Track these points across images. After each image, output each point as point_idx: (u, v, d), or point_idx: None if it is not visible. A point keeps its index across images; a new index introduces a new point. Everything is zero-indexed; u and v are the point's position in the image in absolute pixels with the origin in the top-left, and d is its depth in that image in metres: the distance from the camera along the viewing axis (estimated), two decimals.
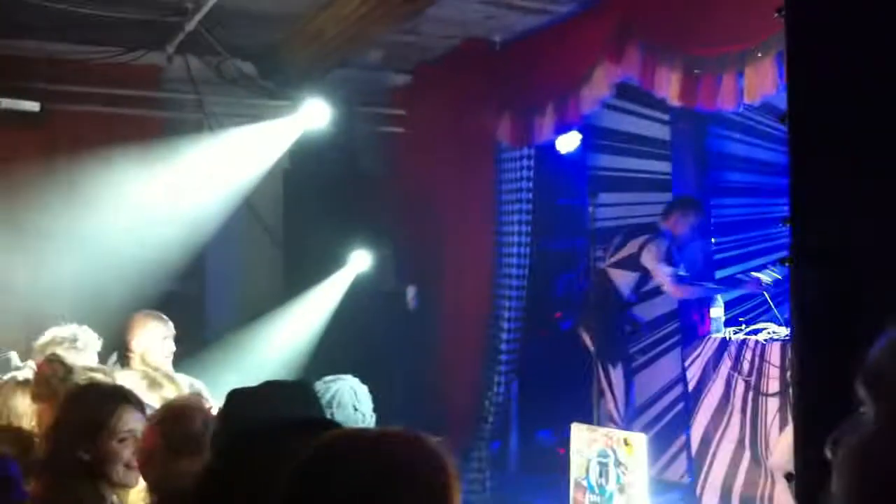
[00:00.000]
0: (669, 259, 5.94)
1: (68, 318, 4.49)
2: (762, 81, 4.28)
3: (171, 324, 4.92)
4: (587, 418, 5.58)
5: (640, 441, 4.18)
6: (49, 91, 6.35)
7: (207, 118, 6.85)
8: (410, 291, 6.79)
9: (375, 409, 3.30)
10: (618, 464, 4.14)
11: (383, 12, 5.50)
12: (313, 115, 6.89)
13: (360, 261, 6.73)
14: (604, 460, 4.28)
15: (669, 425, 6.53)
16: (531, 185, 6.49)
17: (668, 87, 4.93)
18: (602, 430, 4.42)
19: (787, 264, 1.93)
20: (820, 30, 1.91)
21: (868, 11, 1.82)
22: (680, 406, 6.51)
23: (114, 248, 6.11)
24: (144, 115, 6.82)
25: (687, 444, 6.20)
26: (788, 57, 1.97)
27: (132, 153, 6.51)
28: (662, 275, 5.94)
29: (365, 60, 6.79)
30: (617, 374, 6.02)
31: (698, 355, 6.22)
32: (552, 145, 6.32)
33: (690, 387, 6.23)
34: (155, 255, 6.15)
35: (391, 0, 5.33)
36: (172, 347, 4.85)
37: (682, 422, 6.35)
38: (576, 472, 4.38)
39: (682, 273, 5.97)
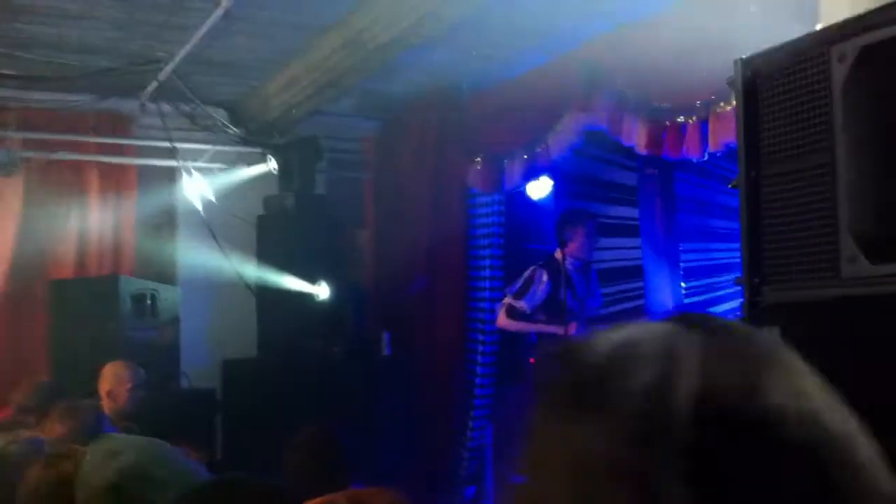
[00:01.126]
0: (523, 290, 5.91)
1: None
2: (725, 130, 4.36)
3: (141, 371, 5.02)
4: None
5: None
6: (23, 140, 6.39)
7: (181, 165, 6.87)
8: (384, 338, 6.81)
9: (354, 456, 3.29)
10: None
11: (354, 61, 5.56)
12: (285, 161, 6.96)
13: (332, 307, 6.74)
14: None
15: None
16: (502, 230, 6.54)
17: (636, 135, 5.02)
18: None
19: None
20: (768, 97, 1.98)
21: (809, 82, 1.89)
22: None
23: None
24: (118, 163, 6.84)
25: None
26: (738, 124, 2.03)
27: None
28: (505, 300, 6.00)
29: (336, 108, 6.84)
30: None
31: None
32: (523, 190, 6.39)
33: None
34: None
35: (362, 49, 5.39)
36: (141, 395, 4.92)
37: None
38: None
39: (516, 304, 5.91)
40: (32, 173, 6.51)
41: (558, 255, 5.81)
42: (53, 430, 3.38)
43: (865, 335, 1.86)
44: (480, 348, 6.53)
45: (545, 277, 5.86)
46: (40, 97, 6.39)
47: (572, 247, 5.77)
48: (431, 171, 6.75)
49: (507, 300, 5.97)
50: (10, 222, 6.47)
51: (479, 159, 6.39)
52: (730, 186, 2.05)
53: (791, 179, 1.90)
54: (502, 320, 6.01)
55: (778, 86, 1.94)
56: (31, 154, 6.43)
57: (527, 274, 5.92)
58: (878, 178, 1.83)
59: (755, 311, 1.96)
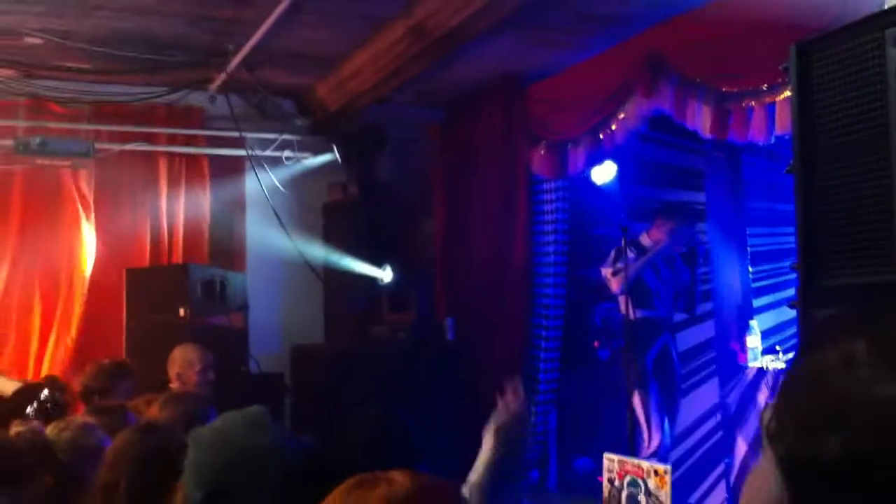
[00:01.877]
0: (616, 259, 5.90)
1: None
2: None
3: (209, 354, 5.16)
4: (624, 447, 5.60)
5: (667, 472, 4.20)
6: (96, 131, 6.59)
7: (249, 154, 7.02)
8: (448, 323, 6.86)
9: (417, 439, 3.32)
10: (648, 493, 4.17)
11: (418, 50, 5.61)
12: (349, 150, 7.06)
13: (398, 293, 6.84)
14: (634, 490, 4.30)
15: (708, 454, 6.51)
16: (566, 215, 6.55)
17: (701, 120, 4.99)
18: (632, 461, 4.44)
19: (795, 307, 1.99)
20: (824, 83, 1.97)
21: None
22: (719, 435, 6.50)
23: None
24: (189, 153, 7.03)
25: (726, 474, 6.20)
26: (793, 110, 2.03)
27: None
28: (605, 273, 5.98)
29: (400, 96, 6.91)
30: (637, 401, 5.91)
31: (736, 385, 6.21)
32: (587, 176, 6.39)
33: (729, 415, 6.23)
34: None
35: (426, 38, 5.44)
36: (209, 377, 5.09)
37: (722, 451, 6.34)
38: (608, 501, 4.41)
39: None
40: (106, 164, 6.72)
41: (645, 239, 5.85)
42: (158, 415, 3.45)
43: None
44: (544, 333, 6.56)
45: (614, 251, 5.91)
46: (114, 90, 6.57)
47: (653, 236, 5.87)
48: (495, 157, 6.77)
49: (607, 272, 5.99)
50: (86, 212, 6.70)
51: (542, 145, 6.40)
52: (785, 171, 2.05)
53: (846, 165, 1.89)
54: (615, 281, 5.98)
55: (833, 70, 1.93)
56: (104, 145, 6.63)
57: (614, 253, 5.93)
58: None
59: (809, 295, 1.96)
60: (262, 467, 1.91)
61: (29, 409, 4.11)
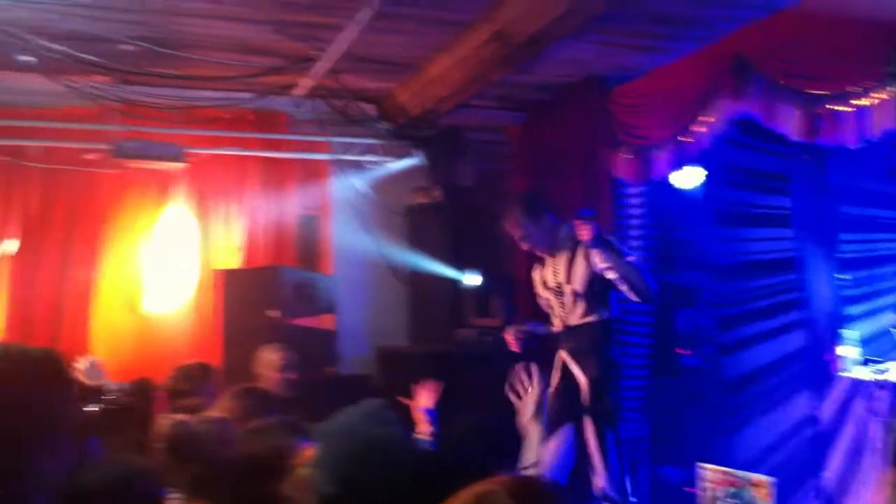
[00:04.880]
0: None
1: None
2: (884, 117, 4.21)
3: (290, 354, 5.28)
4: (714, 456, 5.51)
5: (768, 484, 4.13)
6: (187, 136, 6.78)
7: (334, 158, 7.14)
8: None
9: (507, 444, 3.34)
10: None
11: (502, 55, 5.62)
12: (431, 153, 7.11)
13: (482, 297, 6.85)
14: (732, 501, 4.25)
15: (800, 467, 6.36)
16: (650, 220, 6.47)
17: (789, 123, 4.88)
18: (730, 471, 4.38)
19: None
20: None
21: None
22: (811, 448, 6.34)
23: None
24: (276, 158, 7.18)
25: (820, 487, 6.04)
26: None
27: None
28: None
29: (481, 100, 6.93)
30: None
31: (829, 396, 6.06)
32: (671, 180, 6.31)
33: (822, 428, 6.08)
34: None
35: (509, 43, 5.45)
36: (290, 378, 5.28)
37: (815, 464, 6.19)
38: None
39: None
40: (197, 168, 6.92)
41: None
42: (222, 410, 3.53)
43: None
44: (632, 340, 6.48)
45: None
46: (204, 95, 6.74)
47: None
48: (578, 161, 6.73)
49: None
50: (181, 216, 6.91)
51: (625, 149, 6.33)
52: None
53: None
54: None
55: None
56: (195, 150, 6.81)
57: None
58: None
59: None
60: (390, 458, 1.96)
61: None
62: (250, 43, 5.89)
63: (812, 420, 6.32)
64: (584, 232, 4.94)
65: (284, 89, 6.74)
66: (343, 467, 1.94)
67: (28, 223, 6.72)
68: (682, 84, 5.72)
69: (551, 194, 6.94)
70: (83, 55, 5.75)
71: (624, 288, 5.03)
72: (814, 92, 4.67)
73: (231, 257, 7.03)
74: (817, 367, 6.43)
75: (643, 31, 5.56)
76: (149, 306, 6.86)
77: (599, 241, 4.97)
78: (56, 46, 5.60)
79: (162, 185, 6.94)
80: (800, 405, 6.54)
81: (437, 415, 4.59)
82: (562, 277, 5.23)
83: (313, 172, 7.33)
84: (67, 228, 6.78)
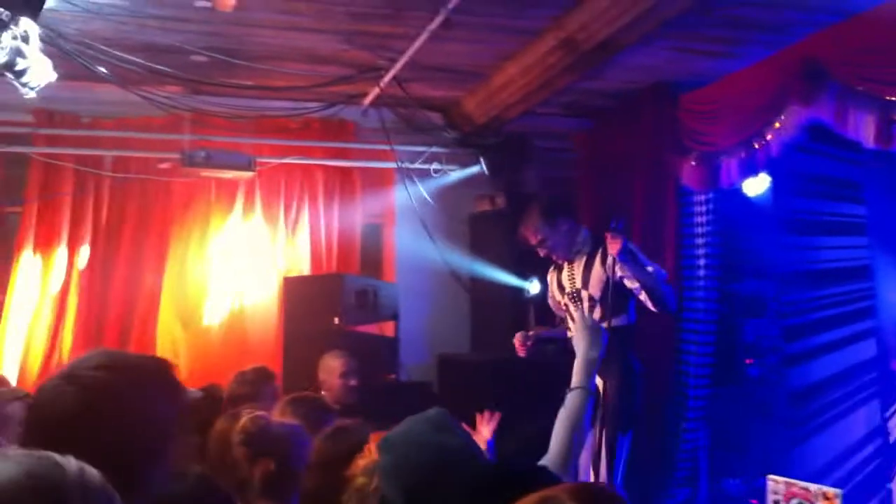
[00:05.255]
0: None
1: None
2: None
3: (352, 361, 5.34)
4: (777, 468, 5.44)
5: (838, 496, 4.07)
6: (256, 145, 6.89)
7: (399, 167, 7.20)
8: None
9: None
10: None
11: (570, 62, 5.62)
12: (496, 161, 7.13)
13: (544, 305, 6.82)
14: None
15: (868, 480, 6.25)
16: (717, 228, 6.41)
17: (863, 129, 4.81)
18: (800, 484, 4.32)
19: None
20: None
21: None
22: (879, 460, 6.23)
23: None
24: (342, 166, 7.26)
25: (889, 499, 5.93)
26: None
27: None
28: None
29: (547, 107, 6.93)
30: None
31: None
32: (739, 188, 6.25)
33: (891, 439, 5.96)
34: None
35: (577, 50, 5.45)
36: (351, 384, 5.38)
37: (882, 476, 6.07)
38: None
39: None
40: (265, 176, 7.02)
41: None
42: (279, 418, 3.57)
43: None
44: (694, 349, 6.43)
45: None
46: (273, 105, 6.84)
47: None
48: (643, 168, 6.71)
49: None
50: (248, 224, 7.03)
51: (693, 156, 6.29)
52: None
53: None
54: None
55: None
56: (264, 159, 6.92)
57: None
58: None
59: None
60: (454, 466, 1.96)
61: None
62: (320, 53, 5.97)
63: (880, 431, 6.20)
64: (614, 245, 4.84)
65: (352, 98, 6.81)
66: (407, 476, 1.94)
67: (100, 232, 6.87)
68: (751, 90, 5.67)
69: (616, 201, 6.95)
70: (156, 66, 5.87)
71: (643, 297, 4.95)
72: (890, 98, 4.61)
73: (296, 265, 7.12)
74: (886, 378, 6.31)
75: (713, 36, 5.52)
76: (214, 313, 6.97)
77: (627, 255, 4.89)
78: (130, 58, 5.71)
79: (231, 194, 7.07)
80: (868, 416, 6.43)
81: (495, 446, 4.62)
82: (579, 283, 5.19)
83: (378, 181, 7.40)
84: (138, 237, 6.94)
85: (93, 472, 1.27)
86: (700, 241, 6.47)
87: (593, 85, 6.48)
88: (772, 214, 6.69)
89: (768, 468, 5.47)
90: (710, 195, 6.39)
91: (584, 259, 5.19)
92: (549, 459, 2.68)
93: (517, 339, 5.35)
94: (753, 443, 6.70)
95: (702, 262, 6.44)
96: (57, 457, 1.25)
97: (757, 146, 5.71)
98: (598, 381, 5.06)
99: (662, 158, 6.50)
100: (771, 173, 6.20)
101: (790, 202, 6.49)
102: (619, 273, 4.92)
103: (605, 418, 4.90)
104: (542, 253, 5.31)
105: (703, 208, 6.45)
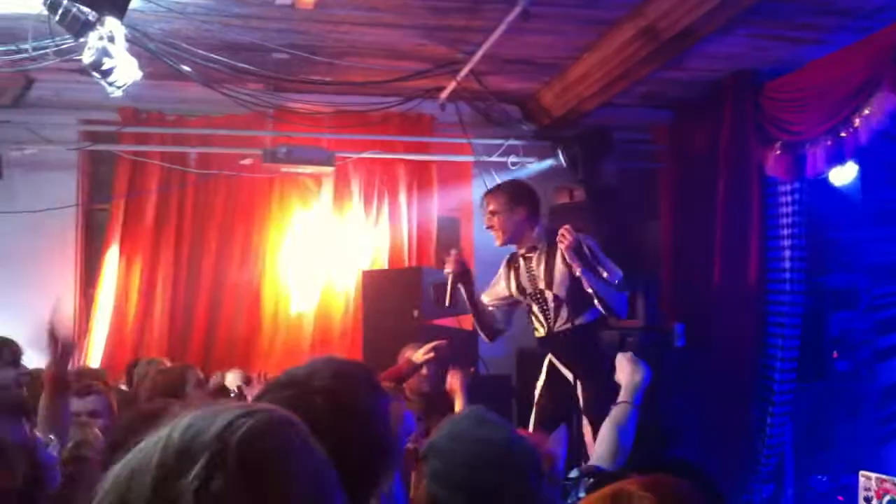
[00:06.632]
0: None
1: None
2: None
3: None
4: (866, 464, 5.29)
5: None
6: (336, 140, 6.96)
7: (476, 160, 7.20)
8: (677, 329, 6.72)
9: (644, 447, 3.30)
10: None
11: (650, 51, 5.55)
12: (574, 153, 7.06)
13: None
14: None
15: None
16: (803, 219, 6.27)
17: None
18: (893, 480, 4.19)
19: None
20: None
21: None
22: None
23: None
24: (420, 160, 7.29)
25: None
26: None
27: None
28: None
29: (626, 98, 6.85)
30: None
31: None
32: (825, 177, 6.10)
33: None
34: None
35: (658, 39, 5.37)
36: (424, 372, 5.27)
37: None
38: None
39: None
40: (344, 171, 7.09)
41: None
42: None
43: None
44: (780, 342, 6.30)
45: None
46: (352, 100, 6.91)
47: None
48: (726, 158, 6.59)
49: None
50: (328, 218, 7.11)
51: (778, 145, 6.15)
52: None
53: None
54: None
55: None
56: (343, 153, 6.98)
57: None
58: None
59: None
60: (504, 459, 1.96)
61: None
62: (398, 48, 6.00)
63: None
64: (564, 239, 4.67)
65: (430, 92, 6.83)
66: (461, 476, 1.94)
67: (185, 227, 7.03)
68: (839, 76, 5.52)
69: (698, 192, 6.84)
70: (239, 64, 5.97)
71: (595, 301, 4.74)
72: None
73: (375, 258, 7.18)
74: None
75: (798, 22, 5.39)
76: (296, 306, 7.07)
77: (577, 251, 4.69)
78: (214, 56, 5.82)
79: (311, 189, 7.16)
80: None
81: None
82: (542, 283, 5.03)
83: (455, 174, 7.41)
84: (223, 232, 7.08)
85: None
86: (786, 232, 6.33)
87: (673, 74, 6.38)
88: (861, 204, 6.51)
89: (856, 465, 5.32)
90: (796, 185, 6.26)
91: (544, 257, 4.99)
92: (597, 460, 2.84)
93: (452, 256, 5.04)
94: (841, 439, 6.55)
95: (787, 254, 6.31)
96: None
97: (844, 134, 5.56)
98: (569, 376, 4.92)
99: (746, 148, 6.38)
100: (859, 162, 6.04)
101: (880, 192, 6.30)
102: (577, 272, 4.73)
103: (587, 413, 4.73)
104: (485, 224, 5.11)
105: (789, 199, 6.31)
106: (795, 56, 5.90)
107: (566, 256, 4.71)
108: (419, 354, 4.83)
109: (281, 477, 0.98)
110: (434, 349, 4.85)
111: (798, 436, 6.55)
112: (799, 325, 6.34)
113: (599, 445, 2.90)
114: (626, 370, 3.22)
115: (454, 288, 4.98)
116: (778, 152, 6.14)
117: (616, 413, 3.01)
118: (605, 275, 4.77)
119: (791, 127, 6.01)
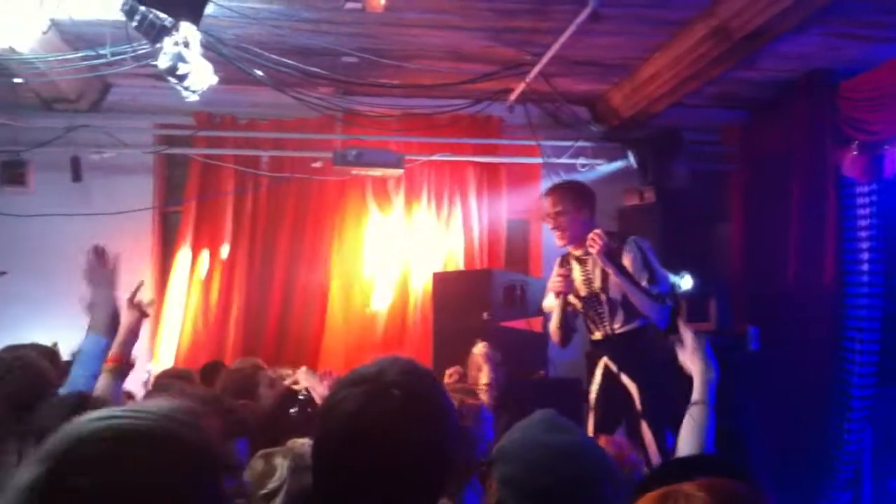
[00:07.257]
0: None
1: None
2: None
3: (495, 354, 5.36)
4: None
5: None
6: (405, 143, 7.00)
7: (545, 162, 7.17)
8: (751, 333, 6.60)
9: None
10: None
11: (721, 51, 5.47)
12: (644, 155, 6.99)
13: (696, 300, 6.67)
14: None
15: None
16: (882, 220, 6.12)
17: None
18: None
19: None
20: None
21: None
22: None
23: None
24: (489, 163, 7.30)
25: None
26: None
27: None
28: None
29: (697, 99, 6.76)
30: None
31: None
32: None
33: None
34: None
35: (729, 39, 5.29)
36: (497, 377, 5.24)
37: None
38: None
39: None
40: (414, 174, 7.13)
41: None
42: None
43: None
44: (859, 346, 6.16)
45: None
46: (421, 103, 6.95)
47: None
48: (801, 159, 6.46)
49: None
50: (398, 220, 7.17)
51: (854, 146, 6.01)
52: None
53: None
54: None
55: None
56: (412, 156, 7.02)
57: None
58: None
59: None
60: (574, 463, 1.94)
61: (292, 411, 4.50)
62: (466, 50, 6.02)
63: None
64: (595, 244, 4.68)
65: (498, 94, 6.83)
66: (532, 482, 1.92)
67: (258, 229, 7.13)
68: None
69: (771, 194, 6.71)
70: (309, 68, 6.04)
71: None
72: None
73: (450, 259, 7.21)
74: None
75: (874, 20, 5.27)
76: (367, 308, 7.13)
77: (609, 256, 4.70)
78: (285, 60, 5.90)
79: (382, 191, 7.22)
80: None
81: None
82: (598, 285, 4.96)
83: (524, 176, 7.40)
84: (295, 234, 7.17)
85: None
86: (863, 234, 6.21)
87: (745, 75, 6.27)
88: None
89: None
90: (874, 187, 6.14)
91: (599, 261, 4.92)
92: None
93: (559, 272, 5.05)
94: None
95: (865, 256, 6.18)
96: None
97: None
98: (629, 382, 4.90)
99: (821, 149, 6.26)
100: None
101: None
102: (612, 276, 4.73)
103: (646, 417, 4.75)
104: (549, 224, 5.07)
105: (867, 200, 6.19)
106: (867, 55, 5.77)
107: (599, 261, 4.71)
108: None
109: None
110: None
111: (877, 441, 6.40)
112: (877, 328, 6.19)
113: (683, 447, 2.83)
114: (696, 368, 3.16)
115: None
116: (855, 153, 6.01)
117: (695, 414, 2.95)
118: (643, 282, 4.78)
119: (868, 127, 5.87)
